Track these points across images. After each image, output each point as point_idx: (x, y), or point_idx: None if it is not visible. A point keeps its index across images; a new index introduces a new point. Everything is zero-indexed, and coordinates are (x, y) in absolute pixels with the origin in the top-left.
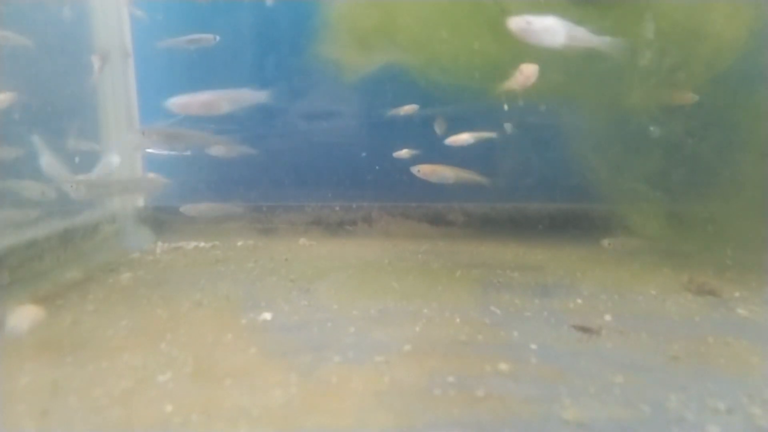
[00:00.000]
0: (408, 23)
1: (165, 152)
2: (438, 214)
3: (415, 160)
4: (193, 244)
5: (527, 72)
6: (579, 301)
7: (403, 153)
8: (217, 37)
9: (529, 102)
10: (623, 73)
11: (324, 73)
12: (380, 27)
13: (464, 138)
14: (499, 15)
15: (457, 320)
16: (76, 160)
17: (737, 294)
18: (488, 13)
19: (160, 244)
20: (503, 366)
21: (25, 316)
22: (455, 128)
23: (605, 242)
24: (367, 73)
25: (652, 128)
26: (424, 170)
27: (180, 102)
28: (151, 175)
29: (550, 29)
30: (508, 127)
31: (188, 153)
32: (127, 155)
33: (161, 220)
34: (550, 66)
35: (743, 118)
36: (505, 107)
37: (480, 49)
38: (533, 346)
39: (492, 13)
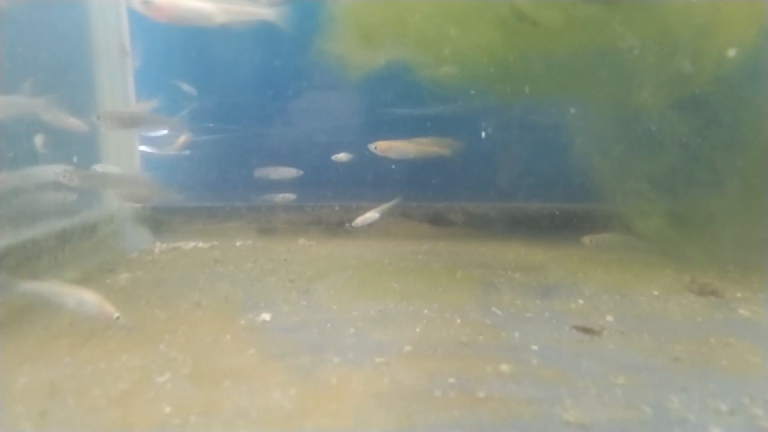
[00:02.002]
0: (414, 21)
1: (161, 151)
2: (438, 214)
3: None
4: (191, 244)
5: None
6: (580, 301)
7: (341, 156)
8: None
9: (531, 100)
10: (628, 71)
11: (326, 71)
12: (385, 24)
13: (341, 156)
14: (511, 13)
15: (458, 321)
16: (75, 159)
17: (739, 294)
18: (496, 11)
19: (158, 244)
20: (504, 367)
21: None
22: (457, 128)
23: (586, 239)
24: (370, 71)
25: (654, 127)
26: (381, 147)
27: None
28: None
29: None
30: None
31: (187, 152)
32: (125, 154)
33: (159, 220)
34: (555, 64)
35: (746, 118)
36: (485, 133)
37: (487, 47)
38: (534, 347)
39: (500, 12)
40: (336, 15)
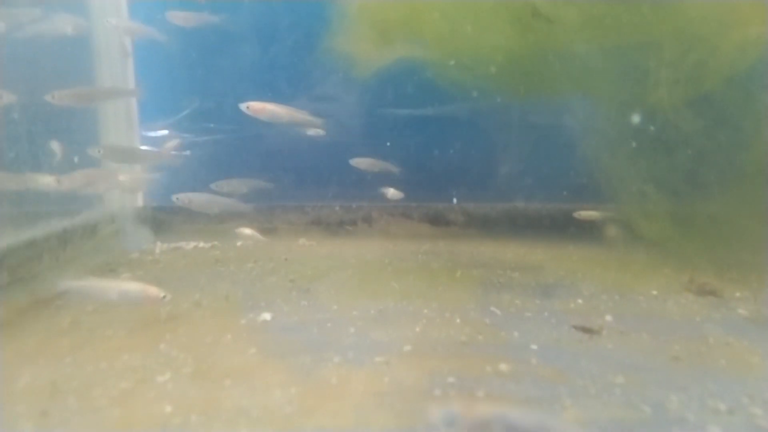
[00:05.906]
0: (428, 18)
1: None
2: (438, 214)
3: None
4: (192, 244)
5: None
6: (580, 301)
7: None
8: None
9: (533, 100)
10: (634, 71)
11: (325, 70)
12: (397, 21)
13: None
14: (526, 11)
15: (458, 320)
16: (75, 159)
17: (738, 294)
18: (512, 10)
19: (159, 244)
20: (504, 366)
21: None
22: (463, 128)
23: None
24: (377, 70)
25: (652, 128)
26: (253, 107)
27: None
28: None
29: None
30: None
31: (187, 152)
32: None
33: (160, 220)
34: (562, 62)
35: (749, 118)
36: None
37: (503, 46)
38: (534, 347)
39: (516, 10)
40: (349, 12)
